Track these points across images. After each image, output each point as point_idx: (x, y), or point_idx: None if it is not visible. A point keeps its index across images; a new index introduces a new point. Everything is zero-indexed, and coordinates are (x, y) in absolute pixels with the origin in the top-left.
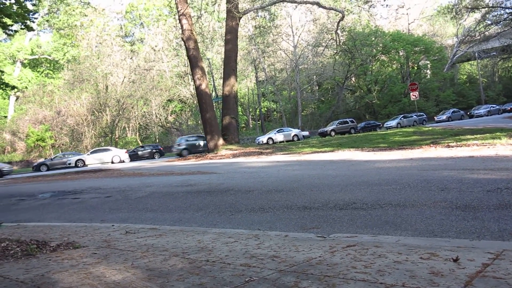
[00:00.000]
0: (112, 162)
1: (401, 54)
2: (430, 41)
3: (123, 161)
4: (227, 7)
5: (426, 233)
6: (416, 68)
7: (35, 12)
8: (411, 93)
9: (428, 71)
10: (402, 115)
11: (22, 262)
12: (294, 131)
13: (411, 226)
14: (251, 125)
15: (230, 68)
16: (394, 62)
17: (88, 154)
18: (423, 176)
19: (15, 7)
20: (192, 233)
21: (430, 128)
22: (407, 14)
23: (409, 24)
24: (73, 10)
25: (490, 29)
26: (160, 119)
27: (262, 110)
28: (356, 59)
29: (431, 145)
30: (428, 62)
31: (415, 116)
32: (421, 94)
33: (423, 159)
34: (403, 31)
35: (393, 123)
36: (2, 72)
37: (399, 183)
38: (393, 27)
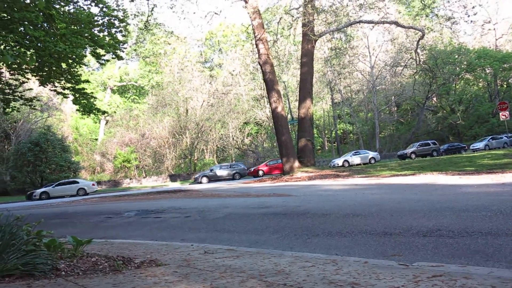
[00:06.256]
0: (78, 195)
1: (488, 71)
2: None
3: (88, 194)
4: (303, 31)
5: None
6: (505, 86)
7: (124, 42)
8: (500, 113)
9: None
10: (490, 137)
11: (109, 277)
12: (371, 154)
13: (505, 257)
14: (326, 148)
15: (305, 90)
16: (480, 80)
17: (52, 187)
18: None
19: (107, 38)
20: (269, 256)
21: None
22: (494, 29)
23: (496, 39)
24: (158, 39)
25: None
26: (237, 142)
27: (338, 132)
28: (437, 78)
29: None
30: None
31: (506, 138)
32: None
33: None
34: (490, 47)
35: (480, 145)
36: (95, 98)
37: (489, 210)
38: (478, 44)
